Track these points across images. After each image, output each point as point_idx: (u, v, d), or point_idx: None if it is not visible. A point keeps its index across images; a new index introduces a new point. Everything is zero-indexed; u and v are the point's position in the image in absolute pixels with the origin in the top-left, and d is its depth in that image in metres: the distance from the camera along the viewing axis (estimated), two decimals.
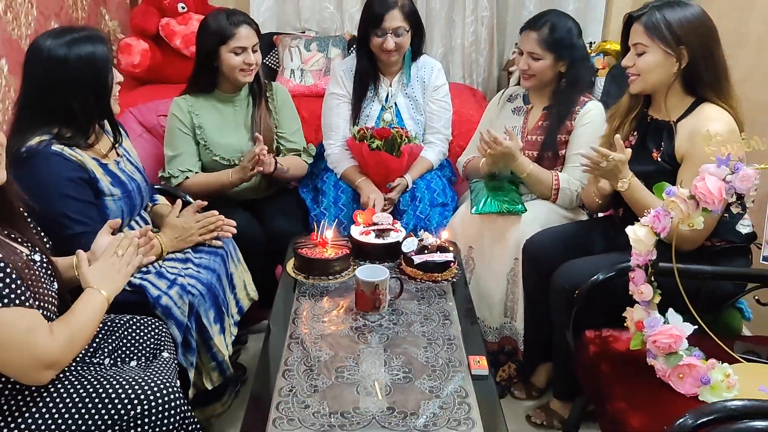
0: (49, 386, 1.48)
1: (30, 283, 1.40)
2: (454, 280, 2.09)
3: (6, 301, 1.31)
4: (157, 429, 1.51)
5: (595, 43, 3.70)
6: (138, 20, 3.48)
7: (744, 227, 1.71)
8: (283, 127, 2.70)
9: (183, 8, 3.50)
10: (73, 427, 1.45)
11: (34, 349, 1.36)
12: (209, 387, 2.03)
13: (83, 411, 1.46)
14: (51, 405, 1.46)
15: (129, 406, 1.49)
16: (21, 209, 1.63)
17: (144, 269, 1.95)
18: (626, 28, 2.11)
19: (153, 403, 1.51)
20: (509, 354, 2.45)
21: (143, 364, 1.73)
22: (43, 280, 1.51)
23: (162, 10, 3.51)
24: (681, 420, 1.38)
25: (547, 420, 2.28)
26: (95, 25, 3.33)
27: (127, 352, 1.75)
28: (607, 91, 3.26)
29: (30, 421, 1.44)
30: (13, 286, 1.33)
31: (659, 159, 2.08)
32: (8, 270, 1.33)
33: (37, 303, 1.40)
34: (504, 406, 2.18)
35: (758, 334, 2.26)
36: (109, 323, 1.78)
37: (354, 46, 3.37)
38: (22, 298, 1.34)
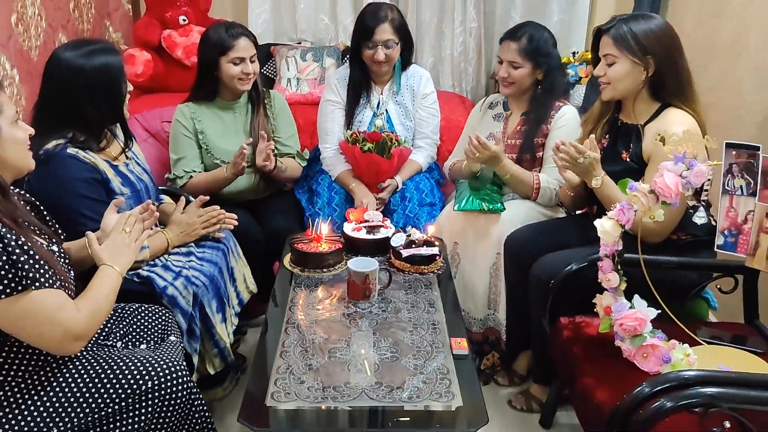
0: (68, 363, 1.63)
1: (54, 269, 1.55)
2: (439, 272, 2.25)
3: (38, 284, 1.46)
4: (166, 402, 1.66)
5: (578, 52, 3.86)
6: (141, 32, 3.62)
7: (699, 218, 1.86)
8: (279, 132, 2.85)
9: (184, 20, 3.64)
10: (90, 400, 1.60)
11: (64, 323, 1.51)
12: (212, 372, 2.18)
13: (99, 385, 1.61)
14: (70, 379, 1.61)
15: (141, 381, 1.63)
16: (37, 203, 1.78)
17: (151, 263, 2.10)
18: (596, 40, 2.26)
19: (162, 379, 1.65)
20: (493, 344, 2.60)
21: (152, 346, 1.88)
22: (63, 268, 1.66)
23: (164, 22, 3.64)
24: (639, 388, 1.53)
25: (527, 404, 2.43)
26: (100, 36, 3.47)
27: (137, 336, 1.89)
28: (588, 98, 3.42)
29: (51, 394, 1.58)
30: (42, 270, 1.48)
31: (628, 159, 2.23)
32: (36, 256, 1.48)
33: (61, 286, 1.55)
34: (488, 393, 2.36)
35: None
36: (119, 310, 1.93)
37: (348, 56, 3.55)
38: (51, 280, 1.50)
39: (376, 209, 2.68)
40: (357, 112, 2.93)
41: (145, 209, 1.91)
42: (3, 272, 1.42)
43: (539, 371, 2.42)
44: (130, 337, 1.89)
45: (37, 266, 1.47)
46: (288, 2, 3.89)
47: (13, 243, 1.44)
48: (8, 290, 1.43)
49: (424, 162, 2.96)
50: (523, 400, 2.44)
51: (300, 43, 3.87)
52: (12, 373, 1.56)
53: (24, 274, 1.45)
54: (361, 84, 2.91)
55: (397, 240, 2.27)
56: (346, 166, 2.89)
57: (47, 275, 1.49)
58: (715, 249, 1.82)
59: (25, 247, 1.46)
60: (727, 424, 1.50)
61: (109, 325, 1.88)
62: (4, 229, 1.45)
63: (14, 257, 1.43)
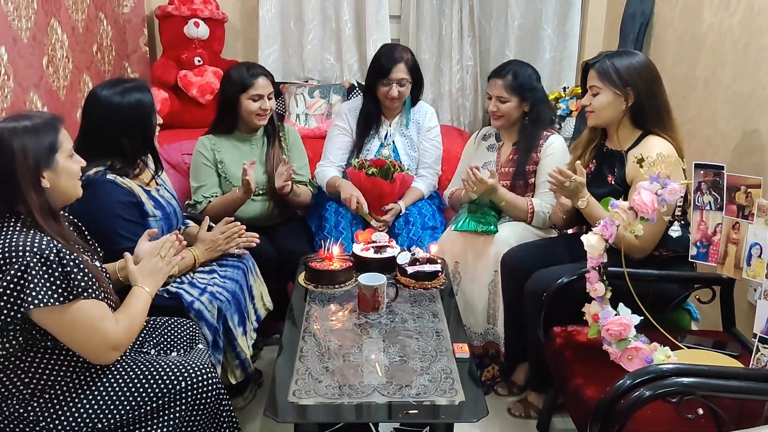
0: (111, 366, 1.81)
1: (99, 281, 1.75)
2: (442, 287, 2.43)
3: (85, 294, 1.66)
4: (198, 401, 1.84)
5: (569, 87, 4.09)
6: (158, 72, 3.83)
7: (674, 232, 2.06)
8: (292, 162, 3.06)
9: (199, 61, 3.86)
10: (130, 398, 1.78)
11: (105, 333, 1.71)
12: (233, 382, 2.36)
13: (138, 385, 1.79)
14: (112, 380, 1.79)
15: (175, 382, 1.81)
16: (79, 225, 1.99)
17: (179, 280, 2.30)
18: (584, 73, 2.49)
19: (194, 380, 1.83)
20: (492, 357, 2.78)
21: (182, 353, 2.06)
22: (105, 281, 1.86)
23: (180, 63, 3.86)
24: (621, 380, 1.71)
25: (524, 412, 2.60)
26: (120, 76, 3.69)
27: (168, 345, 2.08)
28: (578, 129, 3.65)
29: (96, 393, 1.76)
30: (90, 282, 1.68)
31: (613, 182, 2.43)
32: (86, 269, 1.68)
33: (105, 298, 1.75)
34: (489, 402, 2.51)
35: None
36: (152, 323, 2.12)
37: (352, 92, 3.80)
38: (96, 292, 1.69)
39: (381, 231, 2.88)
40: (365, 142, 3.15)
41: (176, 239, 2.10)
42: (58, 282, 1.62)
43: (536, 380, 2.59)
44: (162, 345, 2.08)
45: (86, 278, 1.67)
46: (296, 43, 4.11)
47: (67, 257, 1.64)
48: (62, 298, 1.63)
49: (426, 190, 3.17)
50: (521, 407, 2.61)
51: (307, 82, 4.07)
52: (61, 374, 1.74)
53: (75, 284, 1.64)
54: (372, 117, 3.15)
55: (403, 258, 2.47)
56: (335, 173, 3.10)
57: (94, 287, 1.69)
58: (690, 259, 2.02)
59: (77, 261, 1.66)
60: (700, 411, 1.68)
61: (143, 335, 2.07)
62: (59, 245, 1.65)
63: (67, 269, 1.64)
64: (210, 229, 2.52)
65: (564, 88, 4.08)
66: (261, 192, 2.94)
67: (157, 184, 2.39)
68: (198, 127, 3.40)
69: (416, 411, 1.76)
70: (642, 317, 2.02)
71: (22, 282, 1.60)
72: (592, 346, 2.11)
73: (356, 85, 3.96)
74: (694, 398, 1.66)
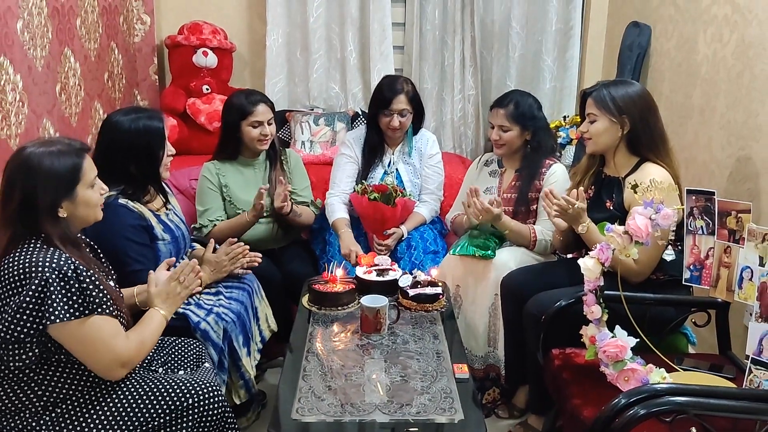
0: (120, 382, 1.86)
1: (113, 298, 1.81)
2: (443, 310, 2.48)
3: (99, 310, 1.73)
4: (204, 417, 1.89)
5: (569, 116, 4.17)
6: (168, 100, 3.92)
7: (668, 255, 2.11)
8: (295, 185, 3.15)
9: (207, 89, 3.95)
10: (139, 414, 1.83)
11: (115, 349, 1.77)
12: (237, 402, 2.40)
13: (147, 401, 1.84)
14: (122, 396, 1.84)
15: (182, 398, 1.87)
16: (94, 246, 2.05)
17: (186, 302, 2.34)
18: (583, 101, 2.57)
19: (201, 397, 1.89)
20: (493, 380, 2.82)
21: (189, 372, 2.11)
22: (119, 298, 1.92)
23: (188, 91, 3.95)
24: (615, 400, 1.75)
25: None
26: (129, 104, 3.78)
27: (176, 363, 2.14)
28: (578, 156, 3.72)
29: (105, 408, 1.81)
30: (105, 298, 1.74)
31: (612, 208, 2.49)
32: (101, 287, 1.74)
33: (117, 315, 1.81)
34: (489, 425, 2.56)
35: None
36: (160, 342, 2.17)
37: (356, 119, 3.88)
38: (110, 309, 1.75)
39: (383, 254, 2.93)
40: (370, 170, 3.22)
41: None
42: (75, 297, 1.69)
43: (536, 401, 2.62)
44: (169, 364, 2.13)
45: (101, 295, 1.73)
46: (302, 73, 4.20)
47: (84, 274, 1.71)
48: (77, 313, 1.69)
49: (428, 215, 3.24)
50: (521, 430, 2.64)
51: (312, 110, 4.14)
52: (73, 388, 1.80)
53: (91, 300, 1.71)
54: (376, 146, 3.22)
55: (405, 281, 2.53)
56: (342, 215, 3.15)
57: (108, 303, 1.75)
58: (683, 282, 2.08)
59: (93, 278, 1.73)
60: (694, 430, 1.72)
61: (151, 353, 2.12)
62: (77, 262, 1.72)
63: (84, 285, 1.70)
64: (215, 250, 2.58)
65: (564, 117, 4.15)
66: (265, 214, 3.00)
67: (167, 209, 2.46)
68: (205, 153, 3.47)
69: (416, 429, 1.80)
70: (638, 339, 2.06)
71: (42, 297, 1.66)
72: (590, 367, 2.14)
73: (360, 113, 4.04)
74: (687, 417, 1.70)
